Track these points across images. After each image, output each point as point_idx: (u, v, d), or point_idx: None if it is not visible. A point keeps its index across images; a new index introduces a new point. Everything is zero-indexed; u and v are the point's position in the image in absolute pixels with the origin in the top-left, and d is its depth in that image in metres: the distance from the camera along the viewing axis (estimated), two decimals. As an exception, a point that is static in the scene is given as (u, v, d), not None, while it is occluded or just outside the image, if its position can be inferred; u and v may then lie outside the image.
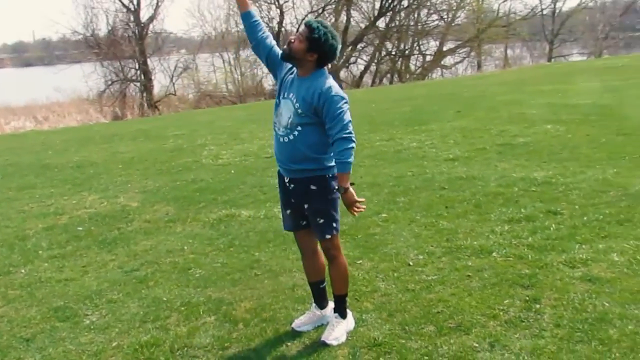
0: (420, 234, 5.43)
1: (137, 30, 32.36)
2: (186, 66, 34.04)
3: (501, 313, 3.88)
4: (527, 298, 4.05)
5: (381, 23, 37.78)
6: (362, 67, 38.63)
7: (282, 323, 3.95)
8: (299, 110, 3.43)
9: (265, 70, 27.06)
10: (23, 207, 7.49)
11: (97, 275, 5.03)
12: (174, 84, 32.98)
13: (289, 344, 3.70)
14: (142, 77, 31.98)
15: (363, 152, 9.52)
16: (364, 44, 37.69)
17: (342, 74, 36.90)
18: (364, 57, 38.79)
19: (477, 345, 3.53)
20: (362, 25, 37.82)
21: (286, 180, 3.63)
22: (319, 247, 3.76)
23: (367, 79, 38.68)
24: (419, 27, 39.38)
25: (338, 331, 3.69)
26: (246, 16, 3.66)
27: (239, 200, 7.06)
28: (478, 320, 3.81)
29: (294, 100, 3.44)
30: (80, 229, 6.38)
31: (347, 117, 3.38)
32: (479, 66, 42.12)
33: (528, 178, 7.03)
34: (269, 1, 35.62)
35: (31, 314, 4.38)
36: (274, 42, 3.66)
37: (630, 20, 53.80)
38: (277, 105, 3.56)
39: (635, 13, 51.51)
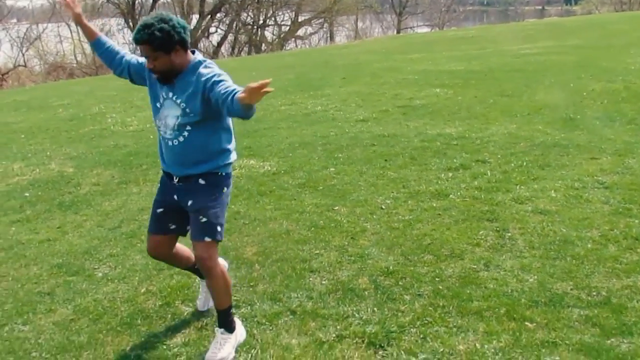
0: (376, 183, 5.94)
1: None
2: (38, 35, 32.02)
3: (481, 241, 4.49)
4: (497, 229, 4.70)
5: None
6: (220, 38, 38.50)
7: (295, 262, 4.30)
8: (187, 110, 3.08)
9: (120, 40, 26.24)
10: (-57, 177, 7.11)
11: (79, 235, 5.06)
12: (24, 55, 30.95)
13: (310, 279, 4.07)
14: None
15: (272, 116, 9.88)
16: (223, 13, 37.43)
17: (201, 44, 36.59)
18: (222, 28, 38.64)
19: (475, 267, 4.11)
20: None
21: (175, 180, 3.24)
22: (175, 249, 3.46)
23: (224, 50, 38.61)
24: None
25: (225, 350, 3.22)
26: (97, 45, 3.38)
27: (180, 161, 7.18)
28: (465, 248, 4.40)
29: (179, 100, 3.10)
30: (27, 194, 6.25)
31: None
32: (332, 37, 43.37)
33: (444, 134, 7.76)
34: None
35: (34, 272, 4.40)
36: (128, 56, 3.37)
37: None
38: (158, 109, 3.18)
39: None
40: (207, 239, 3.16)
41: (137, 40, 2.98)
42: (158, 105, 3.18)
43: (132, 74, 3.36)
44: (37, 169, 7.20)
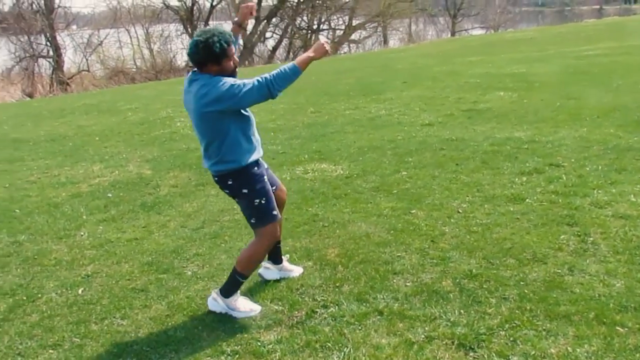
0: (450, 187, 5.97)
1: (43, 4, 31.01)
2: (100, 41, 32.97)
3: (564, 246, 4.48)
4: (578, 233, 4.68)
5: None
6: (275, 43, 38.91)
7: (378, 264, 4.38)
8: None
9: (179, 46, 26.80)
10: (29, 178, 7.48)
11: (165, 234, 5.26)
12: (87, 60, 31.90)
13: (394, 280, 4.14)
14: (53, 52, 30.73)
15: (338, 120, 9.99)
16: (279, 18, 37.83)
17: (257, 49, 37.10)
18: (278, 33, 39.05)
19: (559, 271, 4.11)
20: (275, 0, 38.00)
21: (262, 162, 3.83)
22: None
23: (279, 54, 38.98)
24: (329, 2, 39.93)
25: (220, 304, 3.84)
26: (235, 38, 3.84)
27: (253, 164, 7.35)
28: (547, 252, 4.40)
29: None
30: (110, 195, 6.51)
31: None
32: (385, 41, 43.31)
33: (513, 138, 7.72)
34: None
35: (126, 269, 4.60)
36: None
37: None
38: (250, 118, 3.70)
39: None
40: None
41: (229, 42, 3.49)
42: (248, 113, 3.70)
43: None
44: (116, 171, 7.48)
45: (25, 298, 4.30)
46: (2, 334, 3.84)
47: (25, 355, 3.59)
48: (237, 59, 3.60)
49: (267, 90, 3.41)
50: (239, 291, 3.86)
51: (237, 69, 3.62)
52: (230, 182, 3.65)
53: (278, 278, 4.23)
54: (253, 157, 3.63)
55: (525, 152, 7.04)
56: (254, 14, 3.87)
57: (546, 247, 4.46)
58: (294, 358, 3.35)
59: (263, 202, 3.67)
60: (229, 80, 3.44)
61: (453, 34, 45.20)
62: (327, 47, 3.46)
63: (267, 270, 4.26)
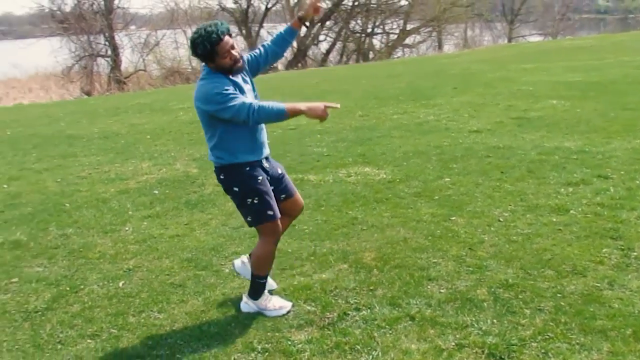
0: (492, 195, 5.91)
1: (103, 4, 31.86)
2: (157, 41, 33.69)
3: (605, 259, 4.38)
4: (622, 247, 4.57)
5: (348, 1, 38.17)
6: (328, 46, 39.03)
7: (413, 269, 4.37)
8: (254, 89, 3.77)
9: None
10: (80, 174, 7.72)
11: (206, 232, 5.36)
12: (144, 59, 32.63)
13: (429, 286, 4.13)
14: (112, 52, 31.55)
15: (385, 124, 9.98)
16: (332, 22, 37.93)
17: (310, 51, 37.29)
18: (331, 36, 39.12)
19: (598, 285, 4.03)
20: (329, 3, 38.11)
21: (265, 163, 3.75)
22: None
23: (332, 57, 39.07)
24: (383, 5, 39.84)
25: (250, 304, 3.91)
26: (293, 33, 3.90)
27: (297, 166, 7.42)
28: (587, 265, 4.31)
29: (250, 85, 3.73)
30: (156, 192, 6.67)
31: None
32: (440, 45, 42.93)
33: (562, 147, 7.58)
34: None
35: (166, 264, 4.71)
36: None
37: (578, 1, 55.54)
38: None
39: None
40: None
41: (223, 32, 3.44)
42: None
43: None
44: (164, 169, 7.65)
45: (68, 289, 4.45)
46: (45, 322, 3.99)
47: (65, 344, 3.71)
48: (236, 54, 3.49)
49: (246, 116, 3.41)
50: (266, 291, 3.91)
51: (240, 64, 3.54)
52: (222, 177, 3.68)
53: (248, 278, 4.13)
54: (248, 157, 3.62)
55: (574, 162, 6.90)
56: (319, 13, 3.84)
57: (587, 260, 4.38)
58: (323, 359, 3.38)
59: (255, 201, 3.65)
60: (224, 87, 3.43)
61: (510, 40, 44.50)
62: (326, 113, 3.40)
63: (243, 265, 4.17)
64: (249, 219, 3.75)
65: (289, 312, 3.88)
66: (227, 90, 3.42)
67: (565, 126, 8.92)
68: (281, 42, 3.89)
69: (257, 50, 3.87)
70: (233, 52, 3.47)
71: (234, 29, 37.80)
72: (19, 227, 5.90)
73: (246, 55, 3.79)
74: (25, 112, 15.62)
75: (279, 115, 3.43)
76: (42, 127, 12.04)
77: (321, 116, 3.41)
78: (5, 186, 7.50)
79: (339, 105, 3.46)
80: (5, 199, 6.90)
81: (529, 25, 50.50)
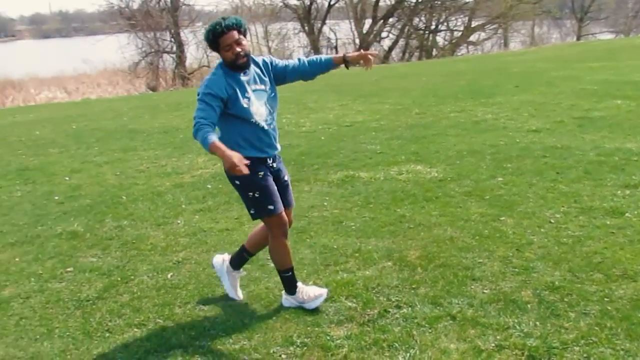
0: (546, 195, 5.79)
1: (170, 1, 32.57)
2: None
3: (659, 264, 4.25)
4: (678, 252, 4.42)
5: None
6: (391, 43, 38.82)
7: (458, 268, 4.34)
8: (271, 91, 3.74)
9: (296, 44, 27.77)
10: (139, 167, 7.96)
11: (254, 227, 5.42)
12: (207, 56, 33.17)
13: (472, 286, 4.09)
14: (177, 48, 32.23)
15: (441, 122, 9.88)
16: (396, 18, 37.71)
17: (372, 48, 37.15)
18: (394, 33, 38.90)
19: (649, 290, 3.91)
20: (393, 0, 37.91)
21: (270, 162, 3.78)
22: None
23: (395, 54, 38.84)
24: (448, 2, 39.32)
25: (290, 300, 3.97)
26: (330, 66, 3.89)
27: (349, 163, 7.45)
28: (639, 270, 4.19)
29: (263, 86, 3.69)
30: (209, 186, 6.81)
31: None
32: (506, 43, 42.09)
33: (623, 148, 7.35)
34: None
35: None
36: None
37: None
38: (248, 107, 3.60)
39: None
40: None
41: (229, 26, 3.48)
42: (246, 102, 3.58)
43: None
44: (218, 164, 7.78)
45: (119, 279, 4.60)
46: (95, 311, 4.14)
47: (113, 332, 3.85)
48: (239, 50, 3.52)
49: (194, 127, 3.46)
50: (299, 283, 3.97)
51: (242, 61, 3.56)
52: (225, 169, 3.68)
53: (218, 276, 4.25)
54: (249, 153, 3.59)
55: (634, 164, 6.69)
56: (369, 66, 3.82)
57: (639, 265, 4.25)
58: (361, 355, 3.40)
59: (257, 195, 3.69)
60: (210, 88, 3.50)
61: (579, 38, 43.32)
62: (236, 170, 3.29)
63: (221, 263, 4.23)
64: (252, 211, 3.80)
65: (326, 300, 3.93)
66: (207, 92, 3.50)
67: (628, 127, 8.65)
68: (316, 66, 3.87)
69: (292, 62, 3.88)
70: (237, 47, 3.52)
71: (296, 25, 38.09)
72: (77, 218, 6.13)
73: (272, 58, 3.83)
74: (91, 107, 16.19)
75: (204, 146, 3.40)
76: (106, 122, 12.45)
77: (231, 169, 3.31)
78: (66, 178, 7.80)
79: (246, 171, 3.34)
80: (66, 191, 7.17)
81: (600, 22, 48.96)
